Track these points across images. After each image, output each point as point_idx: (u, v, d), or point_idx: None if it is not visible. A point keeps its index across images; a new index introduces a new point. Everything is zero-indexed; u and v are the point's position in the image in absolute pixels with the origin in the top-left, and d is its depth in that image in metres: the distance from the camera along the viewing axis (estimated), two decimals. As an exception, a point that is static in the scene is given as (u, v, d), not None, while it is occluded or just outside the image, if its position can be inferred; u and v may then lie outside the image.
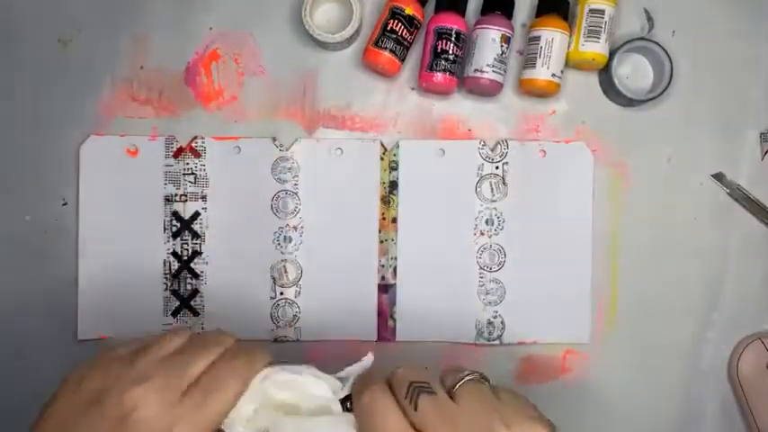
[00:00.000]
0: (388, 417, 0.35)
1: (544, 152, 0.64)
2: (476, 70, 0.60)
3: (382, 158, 0.64)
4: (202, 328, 0.63)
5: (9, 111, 0.63)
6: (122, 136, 0.63)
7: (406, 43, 0.60)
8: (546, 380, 0.64)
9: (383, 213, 0.64)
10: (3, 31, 0.63)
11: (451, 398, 0.37)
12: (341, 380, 0.41)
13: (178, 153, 0.63)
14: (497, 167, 0.64)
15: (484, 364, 0.64)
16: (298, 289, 0.63)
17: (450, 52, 0.60)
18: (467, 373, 0.38)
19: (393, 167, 0.64)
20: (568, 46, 0.61)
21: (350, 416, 0.39)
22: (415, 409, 0.35)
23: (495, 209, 0.64)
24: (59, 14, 0.63)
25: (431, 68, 0.60)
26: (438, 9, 0.61)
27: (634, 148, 0.64)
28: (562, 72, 0.61)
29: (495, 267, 0.64)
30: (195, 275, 0.63)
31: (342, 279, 0.63)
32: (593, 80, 0.64)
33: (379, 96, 0.64)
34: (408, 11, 0.59)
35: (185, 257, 0.63)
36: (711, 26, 0.64)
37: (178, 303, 0.63)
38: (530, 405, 0.38)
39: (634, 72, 0.64)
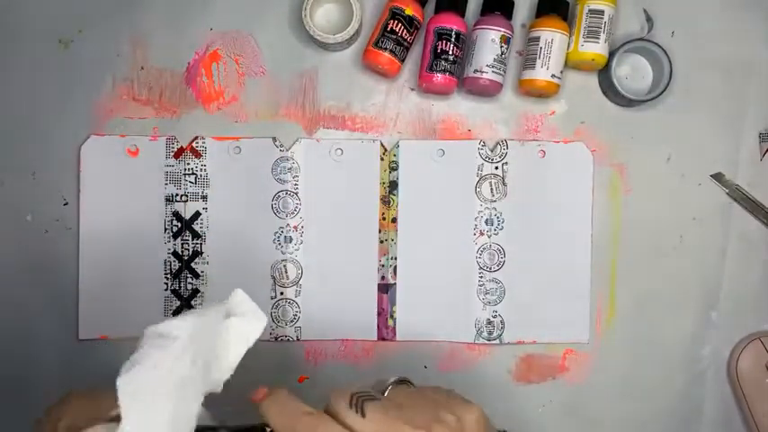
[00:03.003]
0: None
1: (544, 152, 0.64)
2: (475, 71, 0.60)
3: (382, 158, 0.64)
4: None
5: (10, 111, 0.63)
6: (123, 136, 0.63)
7: (405, 44, 0.60)
8: (545, 379, 0.64)
9: (383, 213, 0.64)
10: (3, 31, 0.63)
11: None
12: None
13: (179, 153, 0.63)
14: (497, 168, 0.64)
15: (483, 363, 0.64)
16: (298, 289, 0.63)
17: (450, 53, 0.60)
18: (392, 379, 0.39)
19: (393, 167, 0.64)
20: (568, 46, 0.61)
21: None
22: (363, 416, 0.35)
23: (495, 209, 0.64)
24: (60, 15, 0.63)
25: (431, 69, 0.60)
26: (438, 9, 0.61)
27: (633, 149, 0.64)
28: (562, 72, 0.61)
29: (494, 267, 0.64)
30: (196, 275, 0.63)
31: (342, 279, 0.63)
32: (592, 80, 0.65)
33: (379, 96, 0.64)
34: (408, 11, 0.60)
35: (186, 257, 0.63)
36: (711, 26, 0.64)
37: (179, 303, 0.63)
38: (455, 393, 0.39)
39: (633, 72, 0.64)
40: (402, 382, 0.39)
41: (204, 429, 0.37)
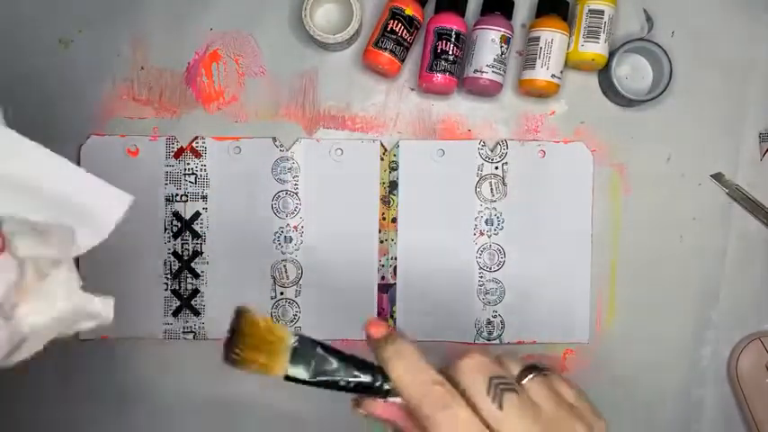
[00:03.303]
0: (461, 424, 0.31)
1: (544, 152, 0.64)
2: (475, 71, 0.60)
3: (382, 158, 0.64)
4: (203, 328, 0.63)
5: (9, 111, 0.63)
6: (123, 136, 0.63)
7: (405, 44, 0.60)
8: (545, 379, 0.64)
9: (383, 213, 0.64)
10: (4, 31, 0.63)
11: None
12: None
13: (179, 153, 0.63)
14: (497, 168, 0.64)
15: (484, 363, 0.64)
16: (298, 289, 0.63)
17: (450, 53, 0.60)
18: (531, 364, 0.35)
19: (393, 167, 0.64)
20: (568, 46, 0.61)
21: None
22: (500, 408, 0.31)
23: (495, 209, 0.64)
24: (60, 15, 0.63)
25: (431, 69, 0.60)
26: (438, 9, 0.61)
27: (633, 149, 0.64)
28: (561, 72, 0.61)
29: (494, 267, 0.64)
30: (195, 275, 0.63)
31: (342, 279, 0.63)
32: (592, 80, 0.65)
33: (379, 96, 0.64)
34: (408, 11, 0.60)
35: (186, 257, 0.63)
36: (711, 26, 0.64)
37: (178, 303, 0.63)
38: (588, 398, 0.36)
39: (633, 72, 0.64)
40: (539, 369, 0.35)
41: (322, 346, 0.34)
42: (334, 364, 0.33)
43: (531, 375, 0.34)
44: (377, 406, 0.34)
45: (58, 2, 0.63)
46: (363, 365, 0.34)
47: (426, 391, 0.32)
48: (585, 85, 0.64)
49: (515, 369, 0.34)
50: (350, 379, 0.33)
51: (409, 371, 0.32)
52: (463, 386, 0.32)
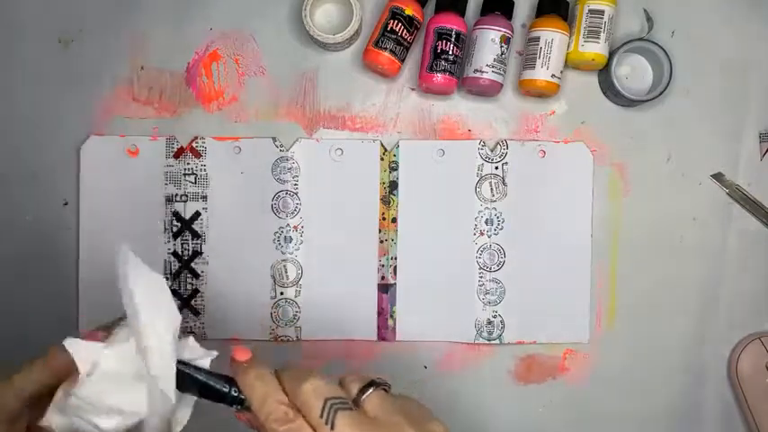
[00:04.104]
0: None
1: (544, 152, 0.64)
2: (475, 71, 0.60)
3: (382, 159, 0.64)
4: (203, 328, 0.63)
5: (9, 111, 0.63)
6: (123, 136, 0.63)
7: (405, 44, 0.60)
8: (545, 379, 0.64)
9: (383, 213, 0.64)
10: (3, 30, 0.63)
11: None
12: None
13: (179, 153, 0.63)
14: (497, 168, 0.64)
15: (483, 363, 0.64)
16: (298, 289, 0.63)
17: (450, 53, 0.60)
18: (370, 380, 0.37)
19: (393, 168, 0.64)
20: (568, 46, 0.61)
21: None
22: (332, 428, 0.34)
23: (495, 209, 0.64)
24: (60, 14, 0.63)
25: (431, 69, 0.60)
26: (438, 9, 0.61)
27: (633, 149, 0.64)
28: (561, 72, 0.61)
29: (494, 267, 0.64)
30: (195, 275, 0.63)
31: (342, 279, 0.63)
32: (592, 80, 0.65)
33: (379, 96, 0.64)
34: (408, 11, 0.60)
35: (186, 257, 0.63)
36: (711, 26, 0.64)
37: (178, 303, 0.63)
38: (427, 409, 0.38)
39: (633, 72, 0.64)
40: (378, 384, 0.38)
41: (186, 365, 0.39)
42: (191, 387, 0.39)
43: (371, 390, 0.37)
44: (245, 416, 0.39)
45: (58, 2, 0.63)
46: (222, 377, 0.39)
47: (274, 409, 0.36)
48: (585, 85, 0.64)
49: (355, 388, 0.37)
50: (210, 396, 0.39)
51: (264, 393, 0.37)
52: (306, 409, 0.36)
